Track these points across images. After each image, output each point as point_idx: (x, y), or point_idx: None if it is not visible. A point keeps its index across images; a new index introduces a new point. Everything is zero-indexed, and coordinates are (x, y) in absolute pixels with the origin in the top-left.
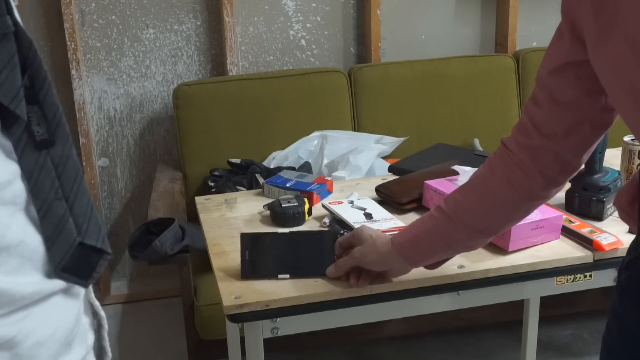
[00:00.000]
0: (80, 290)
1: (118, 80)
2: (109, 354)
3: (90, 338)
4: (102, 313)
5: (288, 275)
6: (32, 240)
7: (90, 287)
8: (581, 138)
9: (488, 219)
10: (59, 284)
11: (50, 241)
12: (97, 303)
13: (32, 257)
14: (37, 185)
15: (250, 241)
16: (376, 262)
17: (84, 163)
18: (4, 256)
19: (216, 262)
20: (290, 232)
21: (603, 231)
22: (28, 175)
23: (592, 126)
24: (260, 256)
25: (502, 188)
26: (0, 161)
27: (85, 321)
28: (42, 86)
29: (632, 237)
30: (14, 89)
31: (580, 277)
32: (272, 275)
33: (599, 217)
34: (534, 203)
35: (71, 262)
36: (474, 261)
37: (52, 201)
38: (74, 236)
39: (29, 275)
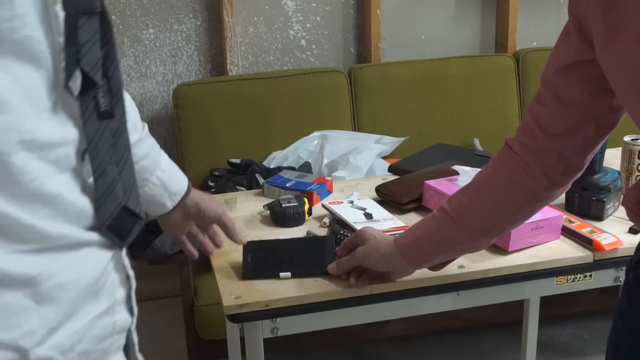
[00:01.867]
0: (110, 250)
1: None
2: (135, 312)
3: (120, 293)
4: (131, 273)
5: (289, 274)
6: (70, 196)
7: (124, 249)
8: (585, 138)
9: (491, 220)
10: (87, 236)
11: (100, 200)
12: (128, 263)
13: (67, 210)
14: (96, 149)
15: (252, 246)
16: (378, 262)
17: None
18: (40, 204)
19: (216, 262)
20: (292, 238)
21: (603, 231)
22: (90, 139)
23: (597, 127)
24: (262, 257)
25: (506, 189)
26: (57, 126)
27: (115, 277)
28: (112, 63)
29: (632, 237)
30: (94, 59)
31: (580, 277)
32: (273, 274)
33: (599, 217)
34: (537, 204)
35: (114, 222)
36: (474, 261)
37: (106, 165)
38: (120, 199)
39: (60, 225)
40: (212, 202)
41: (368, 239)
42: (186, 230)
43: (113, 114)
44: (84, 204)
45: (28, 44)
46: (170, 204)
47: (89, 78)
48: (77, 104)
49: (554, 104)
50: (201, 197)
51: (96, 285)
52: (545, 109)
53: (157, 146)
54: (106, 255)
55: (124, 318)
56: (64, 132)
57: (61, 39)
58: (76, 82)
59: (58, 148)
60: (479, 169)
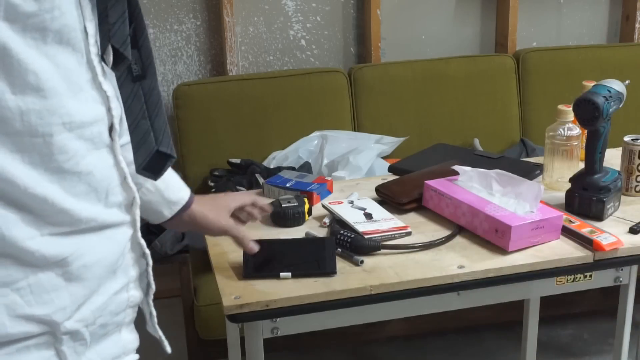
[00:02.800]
0: (128, 230)
1: None
2: (153, 287)
3: (133, 271)
4: (147, 251)
5: (290, 274)
6: (101, 174)
7: (139, 230)
8: None
9: None
10: (112, 216)
11: (136, 148)
12: (144, 242)
13: (97, 188)
14: (130, 108)
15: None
16: None
17: None
18: (75, 180)
19: (216, 262)
20: (293, 238)
21: (603, 231)
22: (124, 100)
23: None
24: (262, 257)
25: None
26: (91, 104)
27: (130, 256)
28: (141, 35)
29: (632, 237)
30: (124, 37)
31: (580, 277)
32: (274, 274)
33: (599, 217)
34: None
35: (149, 163)
36: (474, 261)
37: (140, 119)
38: (153, 145)
39: (91, 203)
40: (219, 215)
41: None
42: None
43: (145, 76)
44: (114, 178)
45: (65, 31)
46: (168, 213)
47: (119, 53)
48: (112, 75)
49: None
50: (207, 213)
51: (116, 264)
52: None
53: None
54: (126, 235)
55: (136, 295)
56: (96, 110)
57: (91, 24)
58: (109, 57)
59: (92, 126)
60: (479, 169)
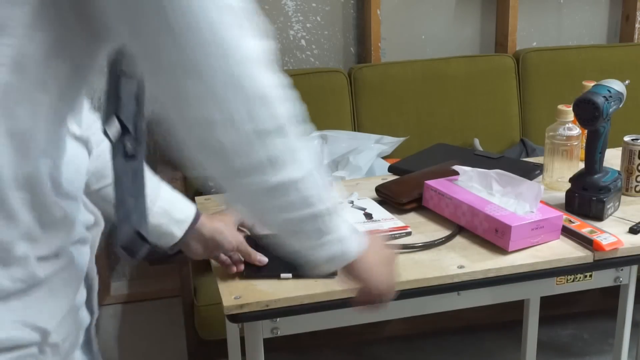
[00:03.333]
0: (88, 250)
1: None
2: (96, 312)
3: (85, 293)
4: (96, 275)
5: (290, 275)
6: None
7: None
8: None
9: None
10: (81, 233)
11: (120, 223)
12: (95, 268)
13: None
14: (120, 183)
15: (254, 243)
16: None
17: None
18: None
19: (216, 262)
20: None
21: (603, 231)
22: (116, 175)
23: None
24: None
25: None
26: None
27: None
28: (140, 118)
29: (632, 237)
30: (130, 114)
31: (580, 277)
32: (274, 274)
33: (599, 217)
34: None
35: (128, 243)
36: (474, 261)
37: (127, 196)
38: (134, 224)
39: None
40: (229, 232)
41: None
42: (212, 257)
43: (136, 157)
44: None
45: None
46: (179, 232)
47: (124, 126)
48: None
49: None
50: (218, 230)
51: (80, 281)
52: None
53: (156, 177)
54: (88, 255)
55: (86, 317)
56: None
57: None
58: (112, 129)
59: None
60: (479, 169)
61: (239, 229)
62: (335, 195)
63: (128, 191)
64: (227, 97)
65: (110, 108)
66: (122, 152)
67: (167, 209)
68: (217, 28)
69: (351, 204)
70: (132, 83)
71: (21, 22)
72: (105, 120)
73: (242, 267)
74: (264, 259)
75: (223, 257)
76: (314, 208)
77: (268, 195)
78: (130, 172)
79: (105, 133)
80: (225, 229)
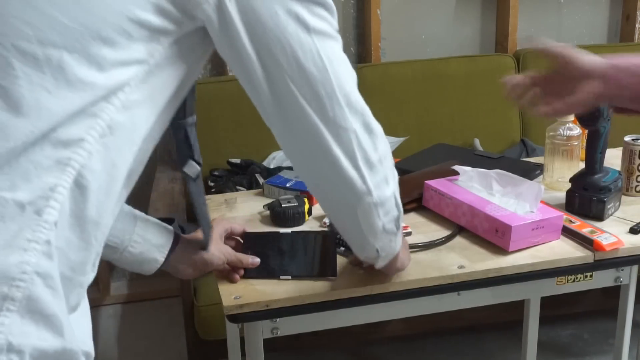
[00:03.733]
0: None
1: None
2: None
3: None
4: None
5: (290, 277)
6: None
7: None
8: None
9: None
10: None
11: (206, 229)
12: None
13: None
14: (197, 201)
15: (253, 241)
16: (584, 64)
17: None
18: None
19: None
20: (293, 232)
21: (604, 231)
22: (194, 196)
23: None
24: (262, 256)
25: None
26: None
27: None
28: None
29: (633, 237)
30: (199, 153)
31: (580, 277)
32: (274, 275)
33: (600, 217)
34: None
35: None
36: (474, 261)
37: (204, 209)
38: (210, 223)
39: None
40: (215, 247)
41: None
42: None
43: (198, 178)
44: None
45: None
46: (160, 257)
47: (199, 164)
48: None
49: None
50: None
51: None
52: None
53: (128, 207)
54: None
55: None
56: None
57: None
58: (192, 169)
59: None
60: (479, 169)
61: (230, 238)
62: None
63: (203, 205)
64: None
65: (187, 154)
66: (193, 180)
67: (145, 236)
68: (338, 74)
69: None
70: (194, 128)
71: (161, 55)
72: (184, 164)
73: (242, 272)
74: (257, 260)
75: (220, 267)
76: (399, 212)
77: (378, 208)
78: (201, 190)
79: (184, 173)
80: (211, 245)
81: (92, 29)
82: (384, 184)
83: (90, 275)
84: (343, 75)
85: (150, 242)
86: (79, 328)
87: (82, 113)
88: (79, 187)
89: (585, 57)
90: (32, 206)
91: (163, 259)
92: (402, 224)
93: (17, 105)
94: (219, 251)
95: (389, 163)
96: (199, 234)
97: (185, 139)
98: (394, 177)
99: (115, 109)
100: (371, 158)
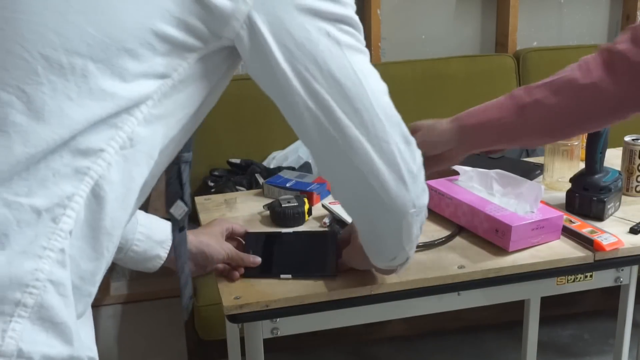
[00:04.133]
0: None
1: None
2: None
3: None
4: None
5: (290, 276)
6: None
7: None
8: None
9: (568, 129)
10: None
11: (184, 286)
12: None
13: None
14: (179, 252)
15: (255, 241)
16: (437, 143)
17: None
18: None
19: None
20: (294, 233)
21: (604, 231)
22: (176, 246)
23: None
24: (263, 256)
25: (593, 103)
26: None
27: None
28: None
29: (633, 237)
30: (188, 194)
31: (580, 278)
32: (274, 275)
33: (600, 217)
34: (615, 122)
35: (188, 302)
36: (474, 261)
37: (184, 263)
38: (191, 287)
39: None
40: (217, 243)
41: (422, 125)
42: (206, 271)
43: (184, 228)
44: None
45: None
46: (163, 253)
47: (187, 206)
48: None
49: None
50: (204, 243)
51: None
52: None
53: None
54: None
55: None
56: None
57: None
58: (179, 210)
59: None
60: (479, 169)
61: (231, 238)
62: None
63: (186, 256)
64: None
65: (176, 194)
66: (178, 226)
67: (148, 233)
68: (373, 88)
69: None
70: (188, 166)
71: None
72: (171, 205)
73: (242, 270)
74: (258, 259)
75: (220, 266)
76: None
77: (419, 217)
78: (185, 241)
79: (170, 214)
80: (212, 240)
81: (117, 40)
82: (423, 193)
83: (97, 286)
84: (377, 88)
85: (152, 239)
86: (83, 333)
87: (104, 123)
88: (96, 197)
89: (436, 138)
90: (48, 213)
91: (166, 255)
92: None
93: (40, 112)
94: (220, 247)
95: (424, 171)
96: (199, 233)
97: (178, 177)
98: (425, 185)
99: (137, 121)
100: (413, 169)
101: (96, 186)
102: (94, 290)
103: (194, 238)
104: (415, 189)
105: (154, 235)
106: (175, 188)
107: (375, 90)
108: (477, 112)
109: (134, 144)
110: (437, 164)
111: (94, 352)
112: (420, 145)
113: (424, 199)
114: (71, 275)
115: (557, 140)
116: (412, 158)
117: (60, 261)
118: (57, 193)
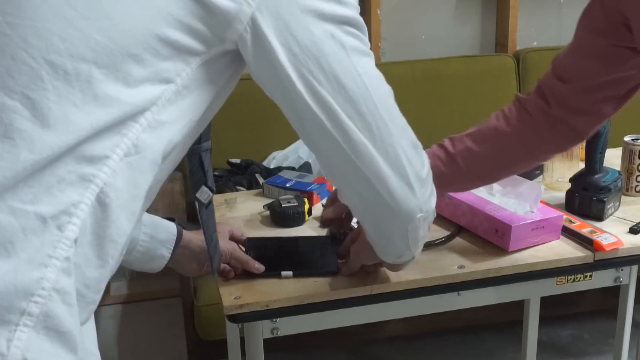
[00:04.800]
0: None
1: None
2: None
3: None
4: None
5: (291, 273)
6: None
7: None
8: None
9: (497, 172)
10: None
11: (214, 254)
12: None
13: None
14: (207, 226)
15: (255, 243)
16: (370, 255)
17: None
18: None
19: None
20: (294, 237)
21: (603, 231)
22: (203, 222)
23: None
24: (264, 254)
25: (518, 147)
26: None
27: None
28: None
29: (632, 237)
30: (212, 179)
31: (580, 277)
32: (275, 272)
33: (600, 217)
34: (538, 163)
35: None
36: (474, 261)
37: (213, 234)
38: (220, 252)
39: None
40: (224, 240)
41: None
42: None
43: (211, 202)
44: None
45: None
46: (167, 253)
47: (212, 191)
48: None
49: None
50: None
51: None
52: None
53: None
54: None
55: None
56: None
57: None
58: (204, 195)
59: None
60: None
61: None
62: None
63: (213, 228)
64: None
65: (200, 180)
66: (205, 205)
67: (151, 233)
68: (378, 91)
69: None
70: (208, 153)
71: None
72: (197, 190)
73: (240, 270)
74: (262, 267)
75: (221, 266)
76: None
77: (426, 221)
78: (212, 215)
79: (197, 198)
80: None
81: (121, 45)
82: (431, 197)
83: (102, 294)
84: (382, 92)
85: (156, 239)
86: (87, 338)
87: (109, 130)
88: (101, 204)
89: None
90: (54, 221)
91: (169, 255)
92: None
93: (45, 118)
94: (224, 245)
95: (431, 175)
96: (200, 233)
97: (200, 165)
98: (434, 188)
99: (141, 128)
100: (421, 174)
101: (101, 193)
102: (98, 297)
103: (195, 238)
104: (423, 194)
105: (157, 235)
106: (199, 175)
107: (380, 93)
108: None
109: (138, 150)
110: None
111: (96, 356)
112: (357, 259)
113: (432, 203)
114: (76, 283)
115: (488, 184)
116: (420, 163)
117: (66, 269)
118: (62, 200)
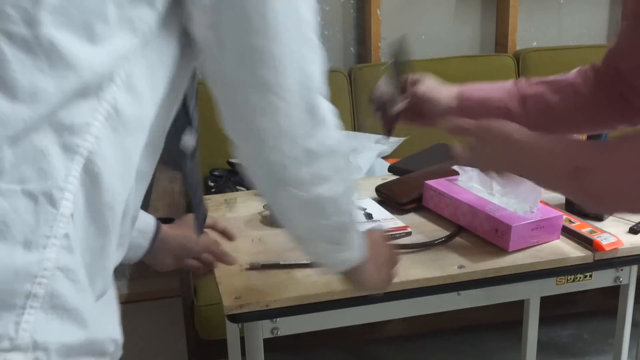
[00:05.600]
0: None
1: None
2: None
3: None
4: None
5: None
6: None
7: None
8: None
9: (560, 128)
10: None
11: (197, 209)
12: None
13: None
14: (190, 180)
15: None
16: (440, 99)
17: None
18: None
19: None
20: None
21: (603, 231)
22: (186, 175)
23: None
24: None
25: (590, 113)
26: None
27: None
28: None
29: (632, 237)
30: (196, 122)
31: (580, 277)
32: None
33: (599, 217)
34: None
35: (202, 223)
36: (474, 261)
37: (197, 189)
38: (205, 209)
39: None
40: (195, 236)
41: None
42: (182, 265)
43: (196, 153)
44: None
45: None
46: (145, 243)
47: (197, 133)
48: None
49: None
50: (185, 236)
51: None
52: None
53: None
54: None
55: None
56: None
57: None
58: (188, 141)
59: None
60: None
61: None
62: (356, 207)
63: (197, 182)
64: (294, 114)
65: (185, 123)
66: (189, 157)
67: None
68: (280, 26)
69: None
70: (195, 95)
71: (149, 24)
72: (180, 137)
73: (215, 266)
74: (235, 260)
75: (191, 262)
76: (343, 219)
77: (310, 206)
78: (195, 168)
79: (180, 151)
80: (189, 232)
81: (78, 1)
82: (320, 180)
83: (115, 256)
84: (291, 30)
85: (135, 228)
86: (105, 316)
87: (84, 94)
88: (90, 174)
89: (441, 95)
90: (45, 197)
91: (147, 245)
92: (358, 238)
93: (13, 91)
94: (199, 240)
95: (333, 162)
96: (179, 225)
97: (183, 105)
98: (342, 179)
99: (117, 88)
100: (308, 145)
101: (88, 163)
102: (108, 263)
103: (173, 232)
104: (303, 169)
105: (137, 225)
106: (182, 120)
107: (283, 29)
108: (482, 92)
109: (119, 113)
110: (431, 122)
111: (116, 333)
112: (422, 96)
113: (320, 190)
114: (80, 257)
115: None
116: (306, 133)
117: (66, 247)
118: (50, 175)
